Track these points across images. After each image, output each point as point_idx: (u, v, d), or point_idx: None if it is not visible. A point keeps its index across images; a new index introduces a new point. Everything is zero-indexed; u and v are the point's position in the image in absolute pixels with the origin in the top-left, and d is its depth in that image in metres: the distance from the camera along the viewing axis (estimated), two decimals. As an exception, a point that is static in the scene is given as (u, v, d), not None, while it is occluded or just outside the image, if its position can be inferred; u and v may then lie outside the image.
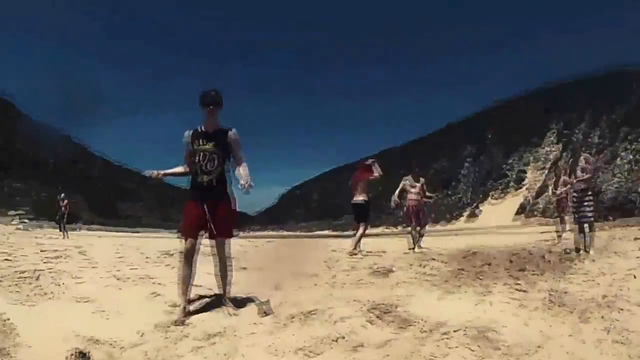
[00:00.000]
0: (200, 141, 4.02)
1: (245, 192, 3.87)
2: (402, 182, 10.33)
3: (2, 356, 2.96)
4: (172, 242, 7.92)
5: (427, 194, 10.63)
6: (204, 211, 3.94)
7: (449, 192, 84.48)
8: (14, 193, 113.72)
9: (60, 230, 20.53)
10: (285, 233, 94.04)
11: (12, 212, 72.20)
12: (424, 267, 6.27)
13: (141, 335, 3.53)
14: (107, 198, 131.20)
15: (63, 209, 20.89)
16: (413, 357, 2.87)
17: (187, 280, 4.06)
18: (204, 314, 4.05)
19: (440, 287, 4.78)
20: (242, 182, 3.88)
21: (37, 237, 18.08)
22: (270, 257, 8.31)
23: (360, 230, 9.30)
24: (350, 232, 10.20)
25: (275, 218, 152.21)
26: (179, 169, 4.23)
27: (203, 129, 4.08)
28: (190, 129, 4.11)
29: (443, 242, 12.51)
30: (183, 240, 4.07)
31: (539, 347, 2.97)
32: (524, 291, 4.46)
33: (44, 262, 7.14)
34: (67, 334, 3.37)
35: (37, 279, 5.56)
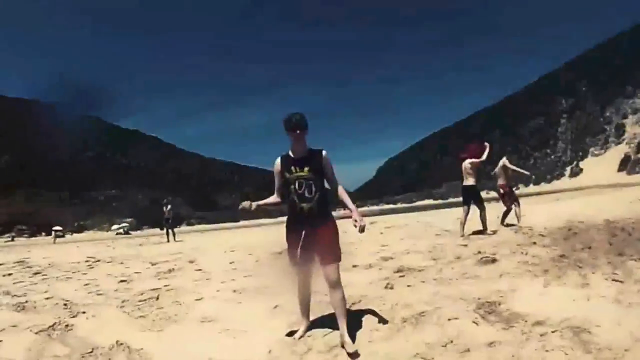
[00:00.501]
0: (294, 168, 4.03)
1: (360, 232, 3.94)
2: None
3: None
4: (276, 234, 8.27)
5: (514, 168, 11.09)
6: (305, 240, 3.99)
7: (548, 150, 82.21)
8: (110, 200, 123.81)
9: (167, 234, 22.00)
10: (385, 207, 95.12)
11: (115, 227, 78.67)
12: (526, 254, 6.50)
13: (269, 352, 3.88)
14: (203, 192, 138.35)
15: (167, 214, 22.37)
16: None
17: (305, 301, 4.31)
18: (324, 327, 4.28)
19: (541, 278, 5.16)
20: (356, 223, 3.92)
21: (141, 245, 19.71)
22: (376, 252, 8.47)
23: (482, 213, 9.93)
24: (460, 215, 10.40)
25: (374, 191, 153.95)
26: (274, 199, 4.30)
27: (293, 155, 4.09)
28: (279, 157, 4.18)
29: (545, 212, 12.70)
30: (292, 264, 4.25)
31: (626, 350, 3.14)
32: (621, 282, 4.75)
33: (159, 279, 7.87)
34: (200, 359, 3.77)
35: (157, 299, 6.23)
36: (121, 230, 74.17)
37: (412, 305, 4.57)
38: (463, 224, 9.94)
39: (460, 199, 10.60)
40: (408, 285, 5.53)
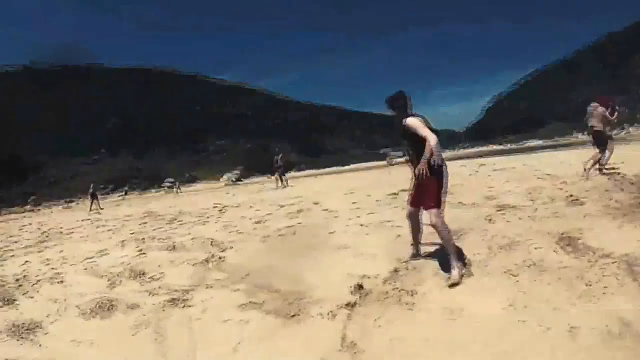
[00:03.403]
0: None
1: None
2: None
3: (300, 299, 4.62)
4: (387, 177, 9.25)
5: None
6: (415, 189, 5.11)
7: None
8: (219, 150, 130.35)
9: (279, 181, 23.68)
10: (494, 148, 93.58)
11: (226, 176, 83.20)
12: (610, 199, 7.22)
13: (395, 271, 5.11)
14: (310, 137, 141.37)
15: (278, 162, 24.06)
16: (577, 281, 4.26)
17: (415, 233, 5.43)
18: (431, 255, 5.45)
19: (618, 220, 5.97)
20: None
21: (260, 192, 21.65)
22: (481, 192, 9.41)
23: (599, 154, 10.65)
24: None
25: (483, 131, 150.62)
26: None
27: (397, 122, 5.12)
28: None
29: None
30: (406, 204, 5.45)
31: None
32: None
33: (291, 219, 9.42)
34: (343, 275, 5.15)
35: (294, 234, 7.73)
36: (232, 179, 77.53)
37: (508, 237, 5.75)
38: (596, 162, 10.62)
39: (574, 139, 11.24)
40: (507, 221, 6.64)
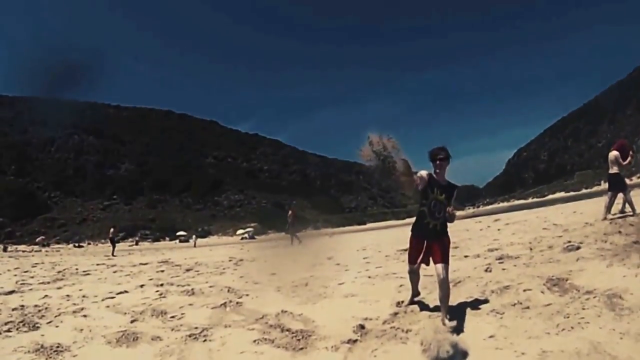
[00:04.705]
0: (436, 190, 5.57)
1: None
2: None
3: (308, 336, 5.34)
4: (401, 235, 10.06)
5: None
6: (425, 248, 5.65)
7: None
8: (234, 204, 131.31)
9: (291, 239, 24.26)
10: (515, 203, 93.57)
11: (240, 231, 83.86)
12: (606, 241, 7.92)
13: (394, 314, 5.95)
14: (327, 193, 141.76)
15: (290, 219, 24.74)
16: (556, 315, 4.94)
17: (414, 285, 6.21)
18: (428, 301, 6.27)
19: (608, 260, 6.63)
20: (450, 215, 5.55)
21: (274, 248, 22.43)
22: (486, 245, 10.22)
23: (627, 197, 11.51)
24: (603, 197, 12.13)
25: (504, 186, 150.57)
26: (415, 176, 5.51)
27: (436, 178, 5.54)
28: (427, 171, 5.60)
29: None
30: (407, 263, 6.09)
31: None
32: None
33: (304, 272, 10.15)
34: (347, 317, 5.94)
35: (306, 285, 8.48)
36: (246, 235, 77.83)
37: (501, 282, 6.54)
38: (607, 207, 11.42)
39: (597, 188, 12.07)
40: (503, 269, 7.43)
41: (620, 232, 8.64)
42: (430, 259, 5.56)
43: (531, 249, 8.75)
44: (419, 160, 5.60)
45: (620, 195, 11.49)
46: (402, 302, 6.31)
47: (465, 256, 9.28)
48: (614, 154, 11.61)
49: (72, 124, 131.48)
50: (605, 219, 10.94)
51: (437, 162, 5.48)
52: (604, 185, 12.94)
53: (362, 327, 5.45)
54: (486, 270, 7.52)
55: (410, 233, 5.85)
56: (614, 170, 11.63)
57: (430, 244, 5.52)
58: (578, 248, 7.88)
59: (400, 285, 7.21)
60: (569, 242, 8.54)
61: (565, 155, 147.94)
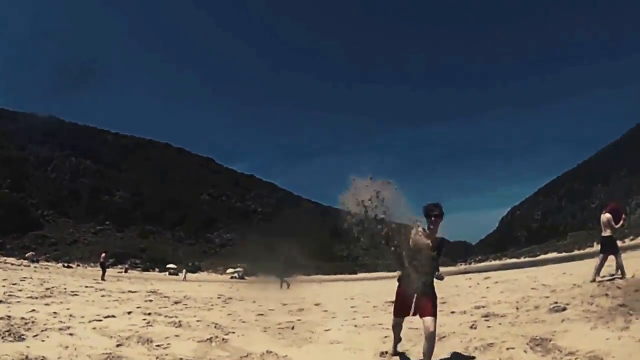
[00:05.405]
0: (427, 246, 5.66)
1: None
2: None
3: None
4: (390, 286, 10.22)
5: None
6: (412, 302, 5.74)
7: None
8: (226, 243, 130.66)
9: (280, 283, 24.38)
10: (507, 262, 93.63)
11: (230, 270, 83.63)
12: (592, 304, 8.12)
13: None
14: (322, 240, 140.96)
15: (281, 264, 24.94)
16: None
17: (396, 336, 6.36)
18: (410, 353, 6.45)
19: (592, 322, 6.80)
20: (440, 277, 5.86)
21: (263, 290, 22.48)
22: (474, 302, 10.42)
23: (618, 260, 11.66)
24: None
25: (496, 244, 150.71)
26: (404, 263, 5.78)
27: (428, 233, 5.65)
28: (420, 227, 5.73)
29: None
30: (393, 316, 6.28)
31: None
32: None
33: (291, 315, 10.33)
34: None
35: (293, 328, 8.62)
36: (236, 275, 77.65)
37: (485, 339, 6.67)
38: (597, 269, 11.59)
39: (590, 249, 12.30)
40: (488, 326, 7.61)
41: (607, 294, 8.84)
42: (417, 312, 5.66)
43: (517, 308, 8.92)
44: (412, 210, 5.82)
45: (612, 258, 11.69)
46: (386, 352, 6.44)
47: (452, 312, 9.43)
48: (606, 216, 11.89)
49: (70, 146, 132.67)
50: (594, 280, 11.15)
51: (432, 218, 5.60)
52: (597, 247, 13.29)
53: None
54: (471, 327, 7.66)
55: (397, 285, 6.00)
56: (606, 233, 11.92)
57: (419, 298, 5.60)
58: (564, 309, 8.05)
59: (386, 337, 7.30)
60: (556, 302, 8.74)
61: (558, 215, 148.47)
